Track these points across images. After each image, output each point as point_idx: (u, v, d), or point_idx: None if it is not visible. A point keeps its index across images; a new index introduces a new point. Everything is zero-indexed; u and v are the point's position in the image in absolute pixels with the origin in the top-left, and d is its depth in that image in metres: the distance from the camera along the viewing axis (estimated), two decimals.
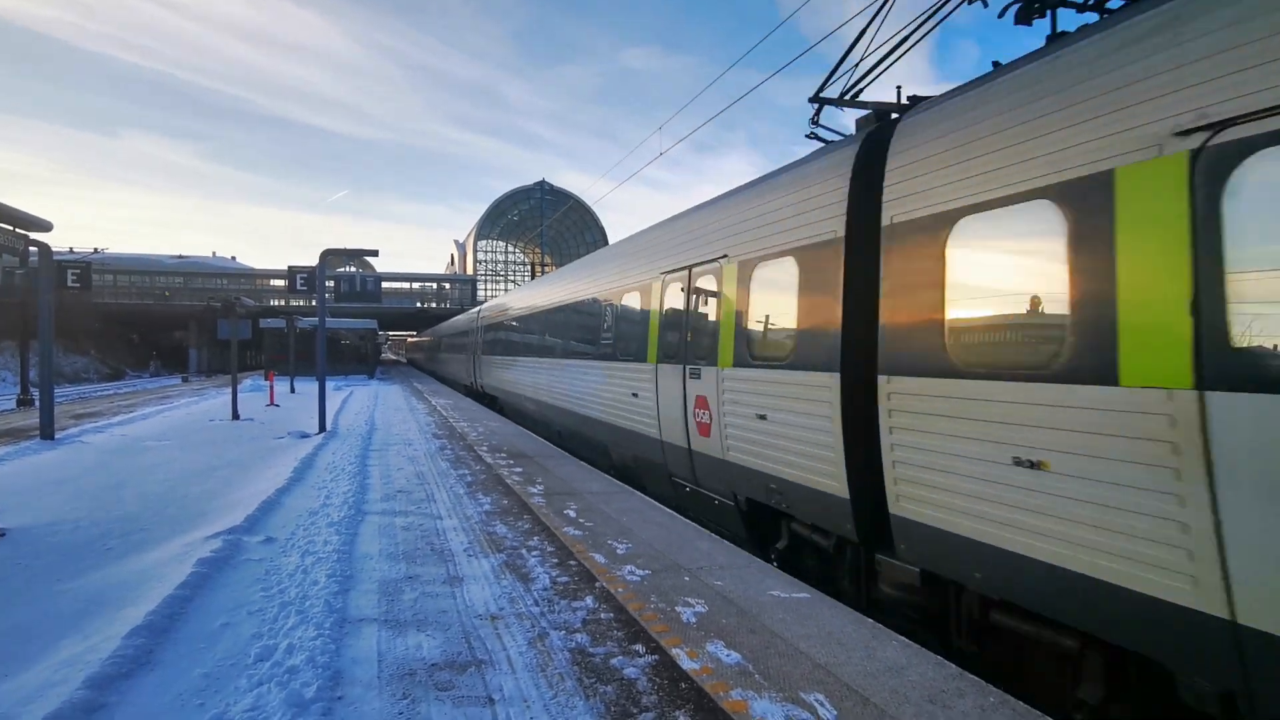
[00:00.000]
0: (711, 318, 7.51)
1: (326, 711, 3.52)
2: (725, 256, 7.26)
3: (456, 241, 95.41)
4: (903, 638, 4.45)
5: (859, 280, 5.31)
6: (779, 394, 6.14)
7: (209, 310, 29.82)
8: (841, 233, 5.47)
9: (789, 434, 5.99)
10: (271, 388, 24.30)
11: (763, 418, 6.35)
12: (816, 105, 6.58)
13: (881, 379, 4.91)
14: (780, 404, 6.12)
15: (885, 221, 5.02)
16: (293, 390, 28.63)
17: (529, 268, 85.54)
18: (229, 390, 19.72)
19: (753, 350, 6.64)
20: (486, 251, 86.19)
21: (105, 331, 50.74)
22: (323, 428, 15.16)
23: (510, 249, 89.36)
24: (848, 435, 5.31)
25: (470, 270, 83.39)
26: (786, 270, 6.15)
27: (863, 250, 5.29)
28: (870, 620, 4.74)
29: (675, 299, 8.46)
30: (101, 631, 4.46)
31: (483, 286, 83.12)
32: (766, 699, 3.66)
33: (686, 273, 8.16)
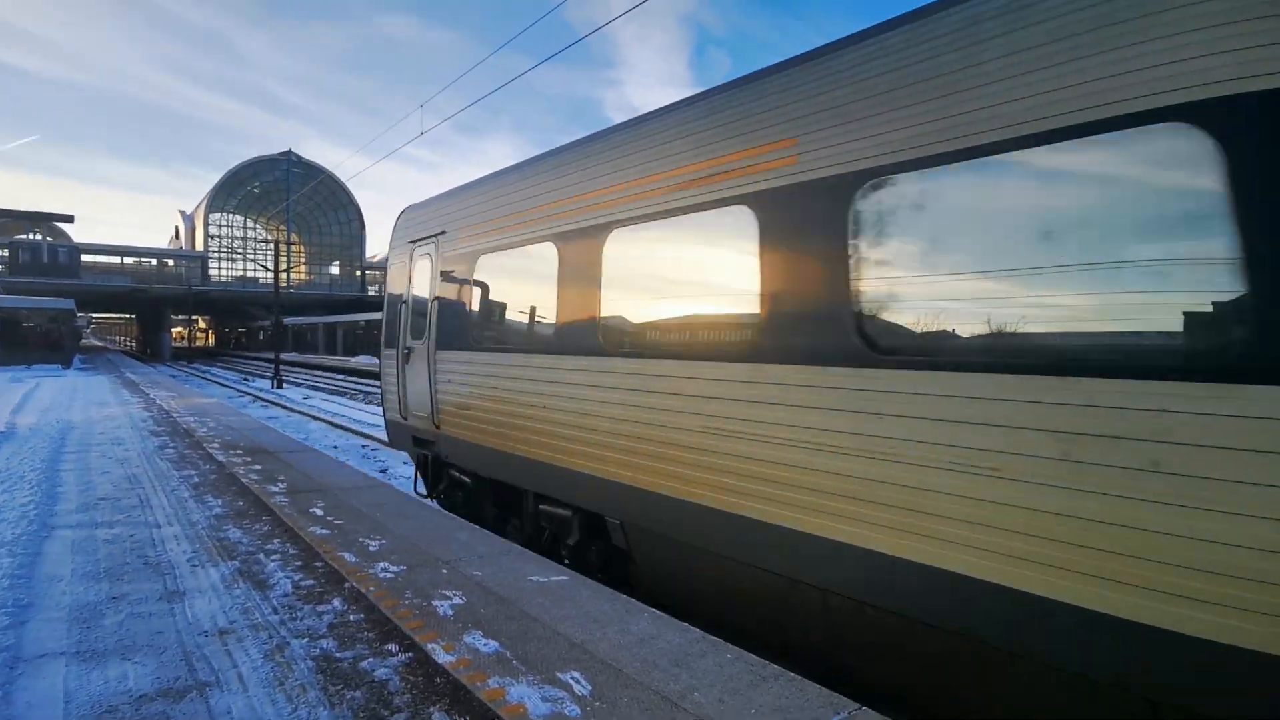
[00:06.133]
0: None
1: None
2: None
3: (183, 213, 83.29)
4: (653, 609, 4.72)
5: None
6: None
7: None
8: None
9: None
10: None
11: None
12: None
13: None
14: None
15: None
16: None
17: (273, 246, 77.59)
18: None
19: None
20: (221, 225, 76.56)
21: None
22: None
23: (250, 224, 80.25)
24: None
25: (200, 246, 73.50)
26: None
27: None
28: (624, 596, 4.97)
29: None
30: None
31: (215, 265, 73.79)
32: (524, 683, 3.69)
33: None
